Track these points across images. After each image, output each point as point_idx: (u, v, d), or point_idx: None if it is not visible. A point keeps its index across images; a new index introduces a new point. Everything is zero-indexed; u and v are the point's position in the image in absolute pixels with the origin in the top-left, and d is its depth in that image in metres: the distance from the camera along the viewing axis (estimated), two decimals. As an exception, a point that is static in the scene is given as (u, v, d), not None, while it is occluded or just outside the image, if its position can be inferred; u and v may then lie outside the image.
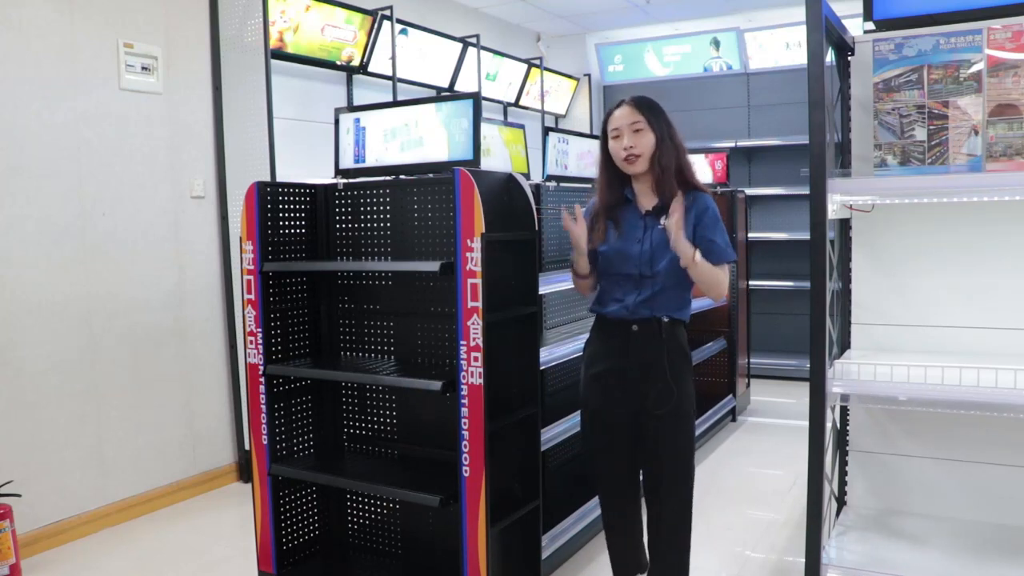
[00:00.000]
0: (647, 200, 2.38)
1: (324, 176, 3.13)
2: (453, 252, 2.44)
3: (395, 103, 2.85)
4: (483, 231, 2.37)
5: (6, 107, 3.30)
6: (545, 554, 2.89)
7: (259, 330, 2.81)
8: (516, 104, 6.87)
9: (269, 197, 2.83)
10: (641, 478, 2.47)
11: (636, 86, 7.34)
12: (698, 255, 2.21)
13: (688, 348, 2.42)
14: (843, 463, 2.77)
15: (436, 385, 2.50)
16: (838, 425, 2.74)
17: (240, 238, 2.83)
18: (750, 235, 6.04)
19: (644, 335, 2.32)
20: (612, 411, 2.39)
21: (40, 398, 3.42)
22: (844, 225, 2.72)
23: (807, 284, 2.32)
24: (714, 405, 5.01)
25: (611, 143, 2.35)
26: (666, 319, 2.33)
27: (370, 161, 2.83)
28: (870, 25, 2.55)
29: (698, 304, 4.83)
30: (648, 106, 2.34)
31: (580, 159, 3.84)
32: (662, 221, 2.29)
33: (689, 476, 2.41)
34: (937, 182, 2.30)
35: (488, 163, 4.07)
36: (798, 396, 5.58)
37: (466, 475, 2.46)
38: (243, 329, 2.88)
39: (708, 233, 2.29)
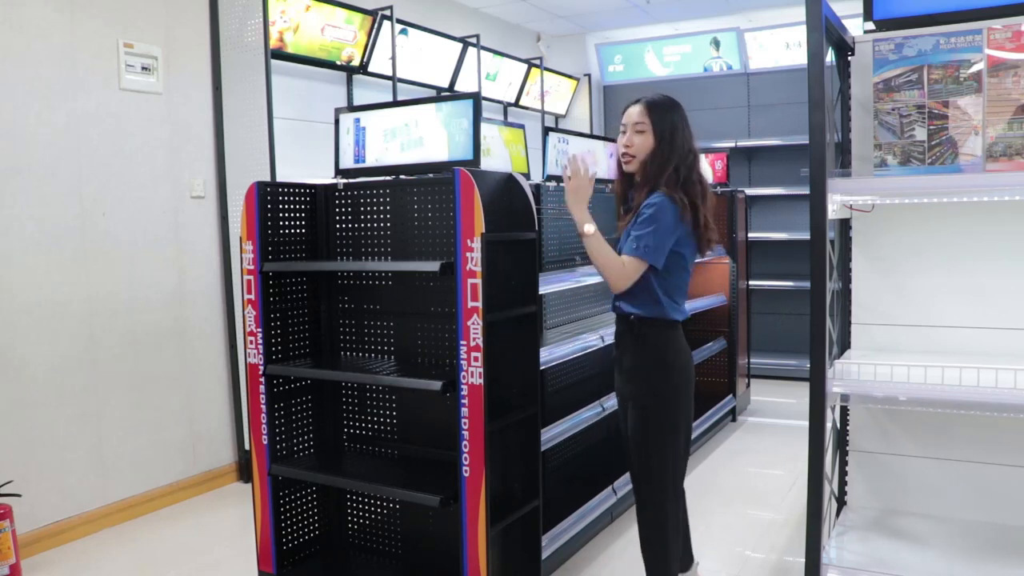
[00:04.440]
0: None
1: (324, 176, 3.13)
2: (453, 252, 2.44)
3: (395, 103, 2.85)
4: (483, 231, 2.37)
5: (6, 107, 3.30)
6: (545, 554, 2.89)
7: (259, 330, 2.81)
8: (516, 104, 6.88)
9: (269, 197, 2.83)
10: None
11: (636, 86, 7.34)
12: (589, 227, 2.30)
13: (664, 350, 2.41)
14: (843, 463, 2.77)
15: (436, 385, 2.50)
16: (838, 425, 2.74)
17: (240, 238, 2.83)
18: (750, 235, 6.04)
19: (620, 330, 2.50)
20: (619, 396, 2.58)
21: (40, 398, 3.42)
22: (844, 225, 2.72)
23: (807, 284, 2.32)
24: (714, 405, 5.01)
25: (618, 137, 2.45)
26: (632, 317, 2.40)
27: (370, 161, 2.83)
28: (870, 25, 2.55)
29: (698, 304, 4.84)
30: (659, 109, 2.36)
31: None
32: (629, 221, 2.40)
33: (647, 471, 2.44)
34: (937, 182, 2.30)
35: (488, 163, 4.06)
36: (798, 396, 5.59)
37: (466, 475, 2.46)
38: (243, 329, 2.88)
39: (635, 228, 2.32)
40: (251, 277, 2.81)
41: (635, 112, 2.37)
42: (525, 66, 6.74)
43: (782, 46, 6.76)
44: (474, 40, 5.88)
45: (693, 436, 4.47)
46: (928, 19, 2.42)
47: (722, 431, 5.13)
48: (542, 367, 2.77)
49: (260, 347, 2.81)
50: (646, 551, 2.49)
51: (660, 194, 2.31)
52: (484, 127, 3.85)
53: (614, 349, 2.57)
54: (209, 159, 4.17)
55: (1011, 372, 2.14)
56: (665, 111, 2.36)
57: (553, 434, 3.05)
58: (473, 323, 2.41)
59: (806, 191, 2.32)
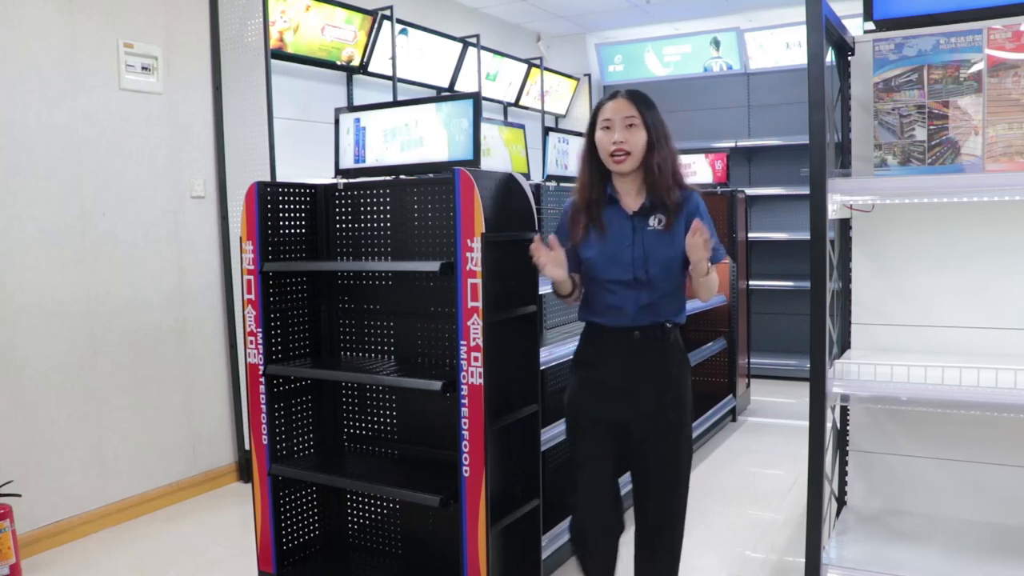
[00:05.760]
0: (632, 200, 2.25)
1: (324, 176, 3.13)
2: (453, 252, 2.43)
3: (395, 103, 2.85)
4: (483, 231, 2.37)
5: (6, 107, 3.30)
6: (545, 554, 2.89)
7: (259, 330, 2.81)
8: (516, 104, 6.87)
9: (269, 197, 2.83)
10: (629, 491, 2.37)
11: (636, 86, 7.26)
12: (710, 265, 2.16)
13: (686, 357, 2.34)
14: (843, 463, 2.77)
15: (436, 385, 2.50)
16: (838, 425, 2.74)
17: (240, 238, 2.83)
18: (750, 235, 6.04)
19: (647, 342, 2.22)
20: (607, 419, 2.27)
21: (40, 398, 3.42)
22: (844, 225, 2.72)
23: (807, 284, 2.32)
24: (714, 405, 5.01)
25: (599, 134, 2.22)
26: (669, 325, 2.24)
27: (370, 161, 2.83)
28: (870, 25, 2.55)
29: (698, 304, 4.83)
30: (644, 102, 2.22)
31: (580, 159, 3.83)
32: (651, 222, 2.21)
33: (685, 486, 2.32)
34: (937, 182, 2.30)
35: (488, 163, 4.06)
36: (798, 396, 5.58)
37: (466, 475, 2.46)
38: (243, 329, 2.88)
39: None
40: (251, 277, 2.81)
41: (622, 106, 2.19)
42: (525, 66, 6.73)
43: (782, 46, 6.76)
44: (474, 40, 5.88)
45: (693, 437, 4.50)
46: (928, 19, 2.42)
47: (722, 431, 5.13)
48: (542, 367, 2.77)
49: (260, 347, 2.81)
50: (673, 563, 2.32)
51: (694, 193, 2.25)
52: (484, 127, 3.86)
53: (618, 369, 2.25)
54: (209, 159, 4.17)
55: (1011, 372, 2.14)
56: (649, 104, 2.22)
57: (553, 434, 3.05)
58: (473, 323, 2.41)
59: (806, 191, 2.31)
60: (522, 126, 4.75)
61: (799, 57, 6.51)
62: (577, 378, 2.34)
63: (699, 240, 2.07)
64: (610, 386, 2.26)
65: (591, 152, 2.27)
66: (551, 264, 2.21)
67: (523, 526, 2.67)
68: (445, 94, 4.78)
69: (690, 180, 2.36)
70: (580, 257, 2.29)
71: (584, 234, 2.26)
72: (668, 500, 2.29)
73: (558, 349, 3.08)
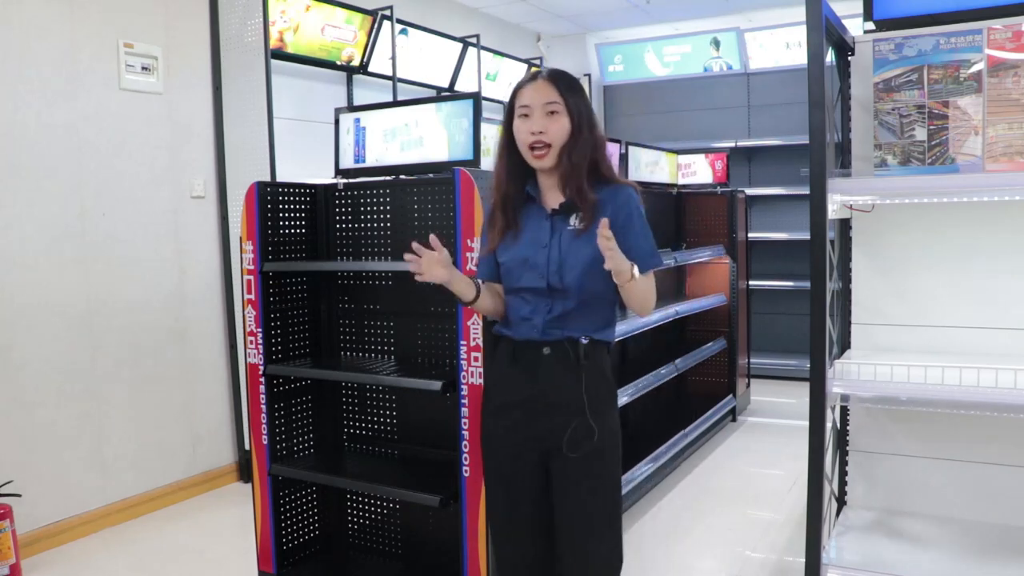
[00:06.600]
0: (554, 197, 1.99)
1: (324, 176, 3.13)
2: (453, 252, 2.43)
3: (395, 103, 2.85)
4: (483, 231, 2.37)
5: (6, 107, 3.30)
6: (545, 554, 2.88)
7: (259, 330, 2.81)
8: (516, 104, 6.87)
9: (269, 197, 2.83)
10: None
11: (636, 86, 7.35)
12: (636, 271, 1.83)
13: (611, 375, 2.03)
14: (843, 463, 2.77)
15: (436, 385, 2.50)
16: (838, 425, 2.74)
17: (240, 238, 2.83)
18: (750, 235, 6.04)
19: (558, 360, 1.94)
20: (519, 451, 2.00)
21: (40, 398, 3.42)
22: (844, 225, 2.72)
23: (807, 284, 2.32)
24: (714, 405, 5.01)
25: (517, 123, 1.94)
26: (585, 340, 1.94)
27: (370, 161, 2.83)
28: (870, 25, 2.54)
29: (698, 304, 4.84)
30: (569, 85, 1.93)
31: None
32: (572, 222, 1.94)
33: (613, 527, 2.02)
34: (937, 182, 2.30)
35: (488, 163, 4.05)
36: (798, 396, 5.58)
37: (466, 475, 2.46)
38: (243, 329, 2.88)
39: (632, 237, 1.90)
40: (251, 277, 2.81)
41: (543, 90, 1.90)
42: (525, 66, 6.73)
43: (782, 46, 6.76)
44: (474, 40, 5.88)
45: (693, 437, 4.50)
46: (928, 19, 2.41)
47: (722, 431, 5.12)
48: (542, 367, 2.77)
49: (260, 347, 2.81)
50: None
51: (624, 187, 1.97)
52: (484, 127, 3.84)
53: (525, 391, 1.98)
54: (209, 159, 4.17)
55: (1011, 372, 2.14)
56: (574, 87, 1.94)
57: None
58: (473, 323, 2.41)
59: (806, 191, 2.31)
60: (522, 126, 4.75)
61: (799, 57, 6.51)
62: (486, 406, 2.11)
63: (602, 240, 1.73)
64: (519, 413, 1.99)
65: (509, 143, 1.99)
66: (434, 266, 1.93)
67: (523, 526, 2.67)
68: (445, 94, 4.78)
69: (620, 174, 2.09)
70: (497, 263, 2.04)
71: (500, 237, 2.01)
72: (590, 549, 1.98)
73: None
